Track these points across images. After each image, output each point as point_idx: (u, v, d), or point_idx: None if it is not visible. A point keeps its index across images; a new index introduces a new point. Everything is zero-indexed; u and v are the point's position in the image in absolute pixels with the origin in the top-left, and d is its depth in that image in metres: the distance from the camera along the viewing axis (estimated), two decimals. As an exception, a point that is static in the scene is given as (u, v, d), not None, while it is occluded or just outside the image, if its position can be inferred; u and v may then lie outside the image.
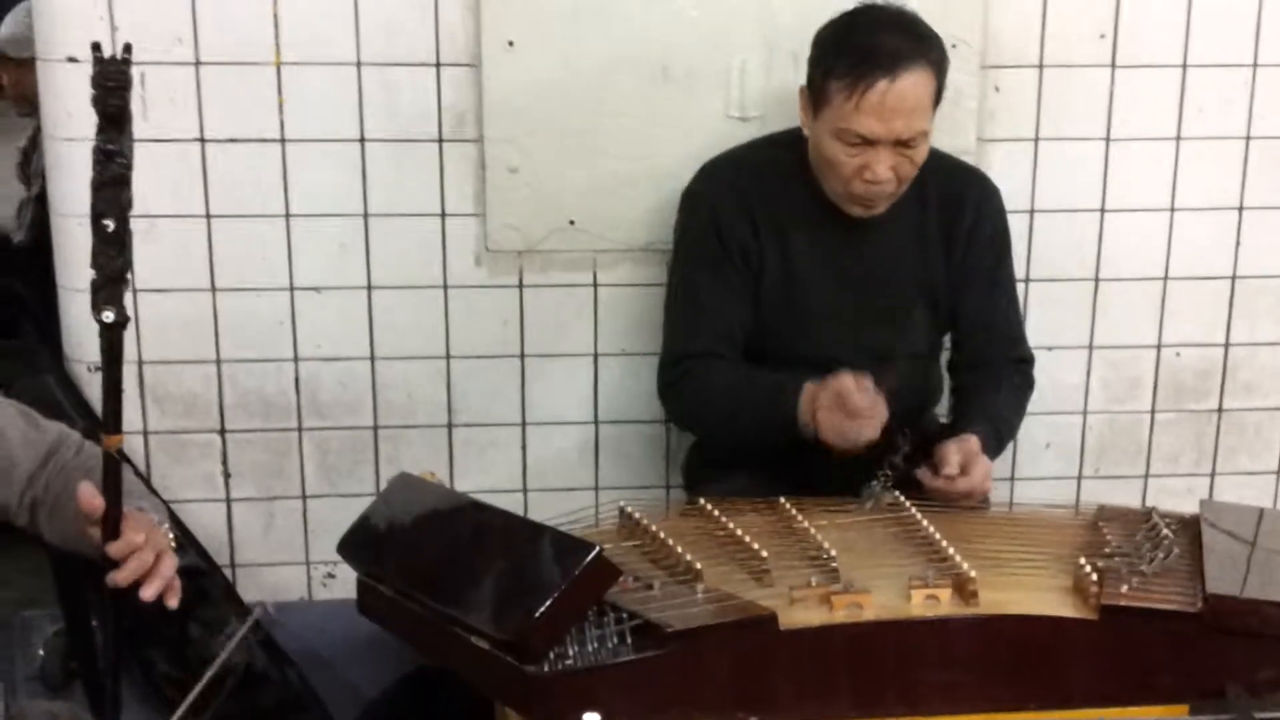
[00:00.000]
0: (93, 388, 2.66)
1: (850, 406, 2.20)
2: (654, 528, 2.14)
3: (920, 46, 2.29)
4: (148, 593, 1.78)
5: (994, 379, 2.52)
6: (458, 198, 2.71)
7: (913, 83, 2.27)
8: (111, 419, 1.78)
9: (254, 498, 2.81)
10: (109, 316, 1.74)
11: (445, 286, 2.75)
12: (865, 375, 2.22)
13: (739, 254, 2.45)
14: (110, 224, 1.72)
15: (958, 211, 2.50)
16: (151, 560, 1.79)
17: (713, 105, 2.70)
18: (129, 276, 1.78)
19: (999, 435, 2.43)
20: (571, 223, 2.73)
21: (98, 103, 1.70)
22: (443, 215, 2.72)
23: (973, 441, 2.30)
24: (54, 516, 1.94)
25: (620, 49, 2.66)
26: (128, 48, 1.71)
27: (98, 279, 1.74)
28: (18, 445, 1.95)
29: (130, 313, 1.79)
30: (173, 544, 1.91)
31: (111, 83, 1.70)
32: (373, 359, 2.76)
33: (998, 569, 2.04)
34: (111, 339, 1.76)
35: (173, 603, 1.83)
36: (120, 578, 1.76)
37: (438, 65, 2.65)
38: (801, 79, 2.41)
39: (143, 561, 1.78)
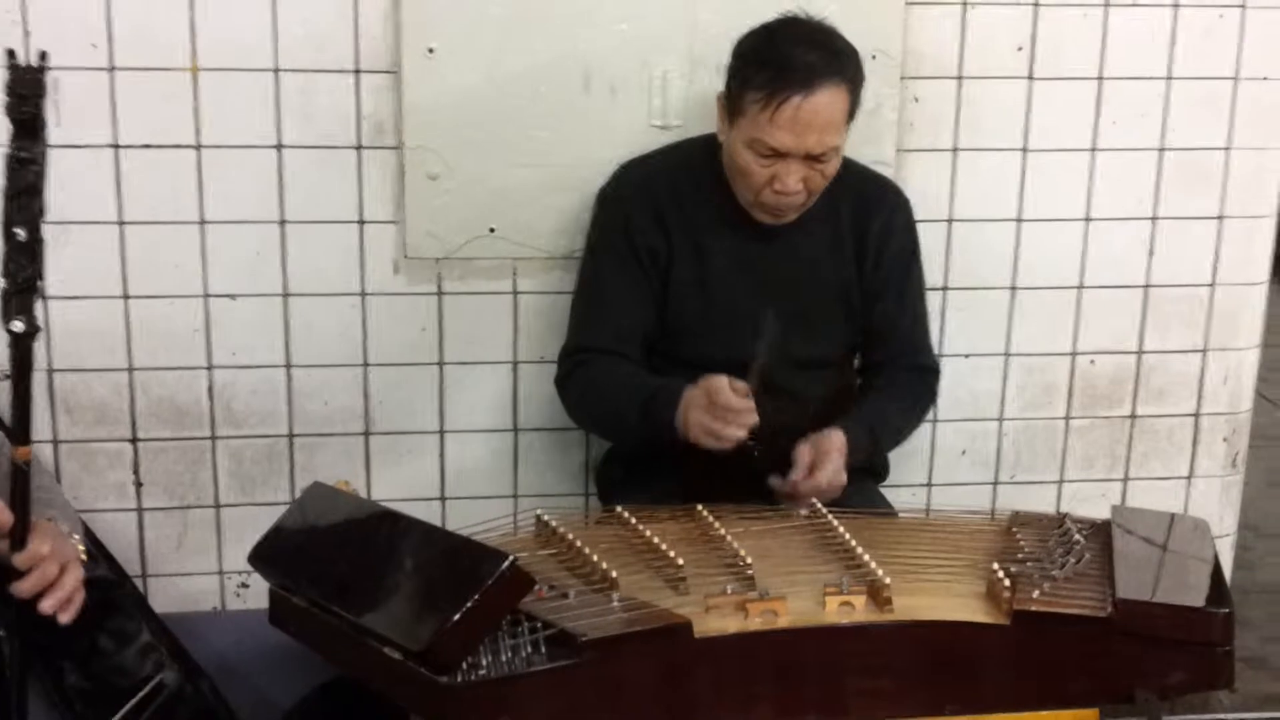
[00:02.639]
0: (1, 395, 2.62)
1: (720, 403, 2.20)
2: (570, 536, 2.13)
3: (836, 63, 2.30)
4: (45, 605, 1.79)
5: (887, 382, 2.56)
6: (376, 205, 2.69)
7: (827, 100, 2.28)
8: (20, 430, 1.77)
9: (166, 507, 2.77)
10: (19, 326, 1.72)
11: (363, 294, 2.73)
12: (740, 382, 2.23)
13: (647, 255, 2.46)
14: (22, 233, 1.70)
15: (868, 222, 2.53)
16: (55, 573, 1.79)
17: (635, 114, 2.70)
18: (40, 285, 1.75)
19: (875, 436, 2.44)
20: (491, 230, 2.72)
21: (11, 110, 1.69)
22: (361, 222, 2.70)
23: (832, 438, 2.32)
24: None
25: (542, 57, 2.66)
26: (43, 55, 1.69)
27: (8, 288, 1.72)
28: None
29: (41, 320, 1.77)
30: (82, 555, 1.89)
31: (25, 90, 1.68)
32: (289, 366, 2.74)
33: (912, 575, 2.06)
34: (21, 349, 1.74)
35: (64, 618, 1.83)
36: (23, 589, 1.76)
37: (357, 72, 2.64)
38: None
39: (45, 574, 1.78)
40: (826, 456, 2.29)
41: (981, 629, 1.95)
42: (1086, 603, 1.98)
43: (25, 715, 1.86)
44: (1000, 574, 2.00)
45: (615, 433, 2.51)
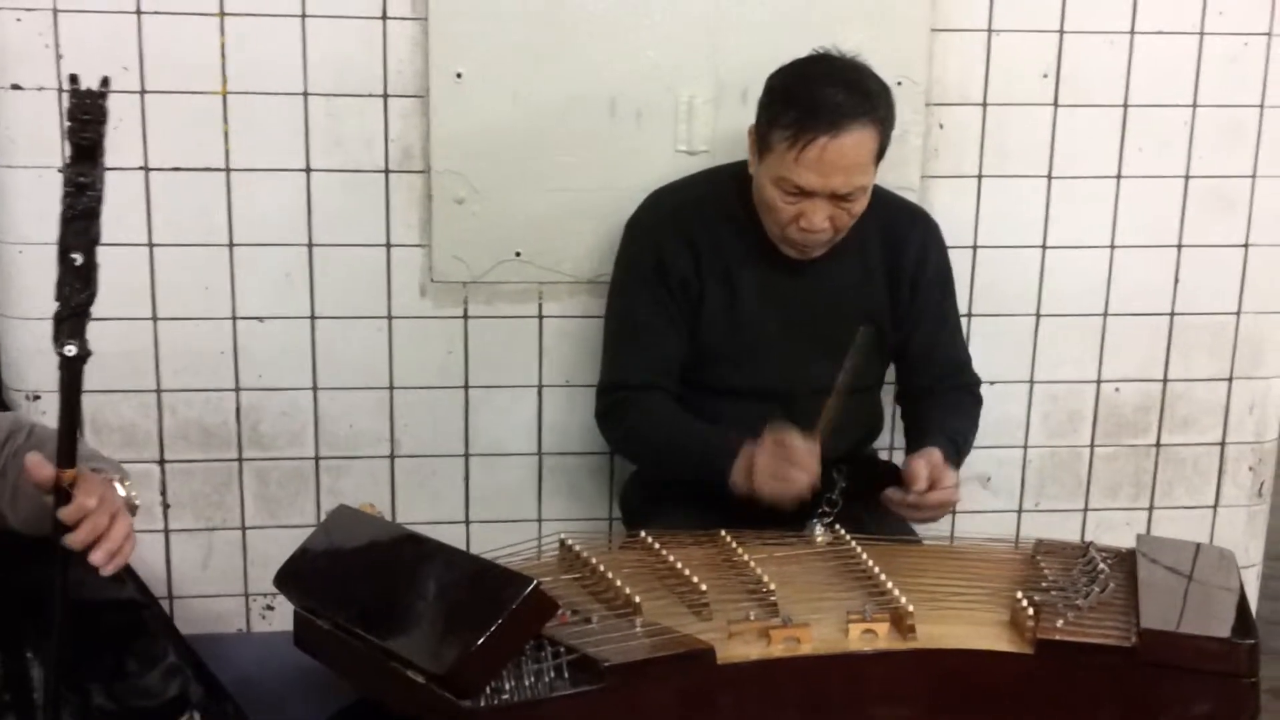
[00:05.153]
0: (31, 416, 2.63)
1: (789, 450, 2.21)
2: (594, 560, 2.13)
3: (865, 104, 2.28)
4: (95, 556, 1.76)
5: (942, 400, 2.55)
6: (403, 229, 2.71)
7: (855, 141, 2.27)
8: (66, 453, 1.77)
9: (193, 529, 2.79)
10: (71, 350, 1.72)
11: (390, 317, 2.74)
12: (803, 435, 2.24)
13: (679, 285, 2.46)
14: (78, 258, 1.71)
15: (901, 250, 2.52)
16: (105, 523, 1.77)
17: (661, 140, 2.71)
18: (91, 310, 1.76)
19: (956, 447, 2.44)
20: (517, 255, 2.73)
21: (72, 135, 1.69)
22: (388, 246, 2.72)
23: (936, 453, 2.31)
24: (15, 500, 1.93)
25: (569, 83, 2.67)
26: (105, 81, 1.70)
27: (61, 311, 1.73)
28: None
29: (73, 341, 1.78)
30: (133, 500, 1.89)
31: (87, 115, 1.68)
32: (315, 389, 2.75)
33: (935, 603, 2.06)
34: (72, 372, 1.74)
35: (108, 570, 1.80)
36: (75, 540, 1.74)
37: (385, 96, 2.66)
38: (750, 117, 2.41)
39: (95, 525, 1.76)
40: (942, 470, 2.28)
41: (1005, 658, 1.95)
42: (1111, 632, 1.97)
43: None
44: (1024, 603, 2.00)
45: (662, 472, 2.50)
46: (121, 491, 1.89)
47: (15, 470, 1.94)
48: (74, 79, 1.68)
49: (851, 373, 2.29)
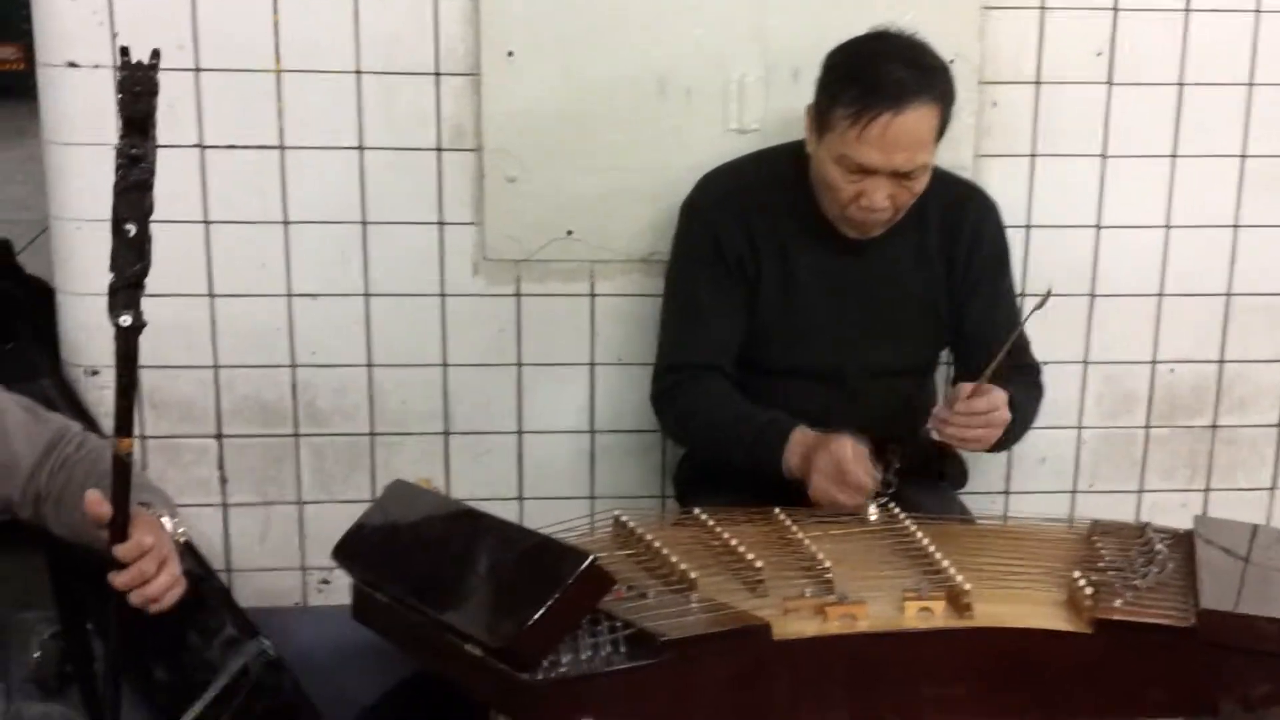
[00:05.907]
0: (89, 392, 2.67)
1: (846, 480, 2.20)
2: (649, 537, 2.14)
3: (927, 80, 2.27)
4: (135, 599, 1.81)
5: (1002, 384, 2.51)
6: (456, 207, 2.72)
7: (917, 117, 2.26)
8: (123, 422, 1.78)
9: (250, 503, 2.81)
10: (126, 320, 1.74)
11: (442, 295, 2.75)
12: (864, 445, 2.23)
13: (736, 265, 2.46)
14: (132, 229, 1.72)
15: (957, 228, 2.51)
16: (152, 570, 1.79)
17: (712, 119, 2.71)
18: (146, 282, 1.77)
19: (1014, 407, 2.34)
20: (569, 233, 2.74)
21: (124, 107, 1.70)
22: (441, 224, 2.72)
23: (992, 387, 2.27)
24: (59, 509, 1.95)
25: (620, 62, 2.67)
26: (156, 53, 1.71)
27: (116, 282, 1.74)
28: (20, 440, 1.96)
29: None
30: (181, 538, 1.91)
31: (138, 88, 1.70)
32: (369, 366, 2.77)
33: (992, 582, 2.05)
34: (127, 343, 1.76)
35: (153, 609, 1.84)
36: (120, 581, 1.77)
37: (437, 75, 2.66)
38: (801, 95, 2.41)
39: (143, 571, 1.79)
40: (991, 392, 2.24)
41: (1063, 637, 1.94)
42: (1170, 612, 1.96)
43: (118, 709, 1.88)
44: (1082, 582, 1.99)
45: (717, 456, 2.47)
46: (169, 527, 1.91)
47: (63, 478, 1.96)
48: (125, 52, 1.70)
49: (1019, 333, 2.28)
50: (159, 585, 1.81)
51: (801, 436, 2.29)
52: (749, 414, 2.40)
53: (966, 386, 2.26)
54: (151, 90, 1.69)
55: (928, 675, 1.94)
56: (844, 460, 2.20)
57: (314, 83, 2.63)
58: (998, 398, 2.27)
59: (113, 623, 1.89)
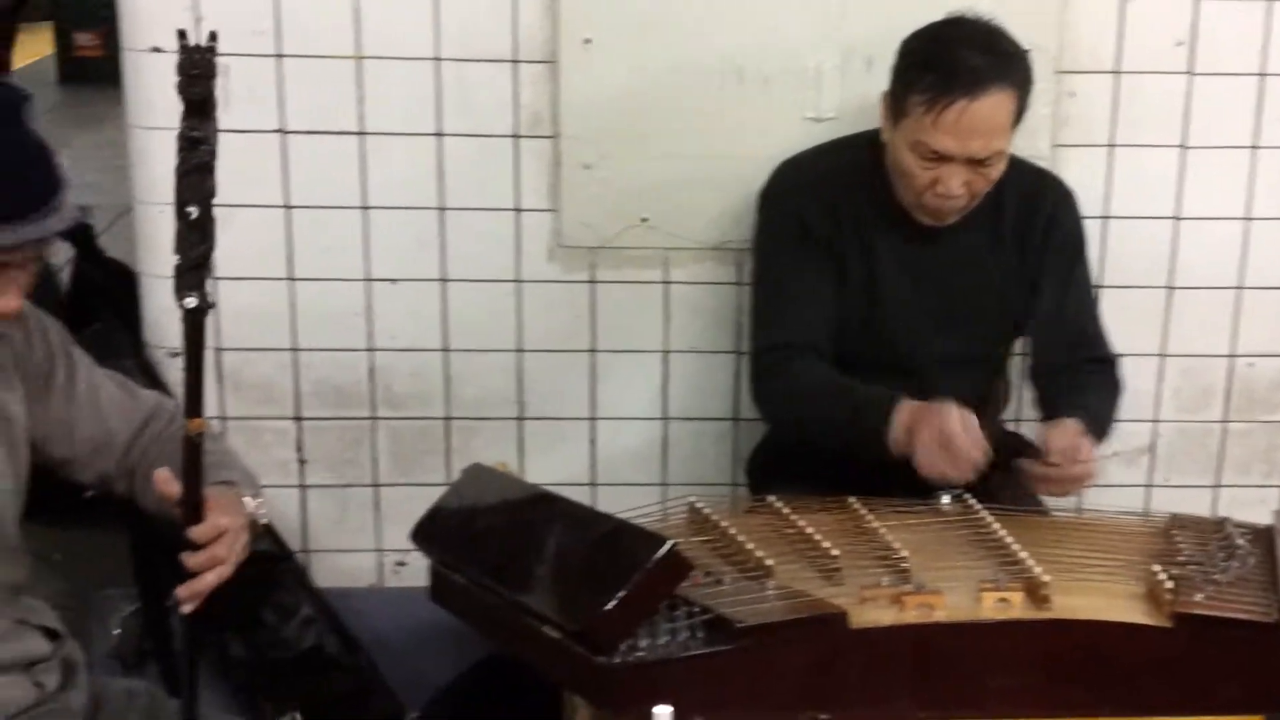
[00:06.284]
0: (172, 372, 2.70)
1: (954, 448, 2.18)
2: (724, 523, 2.15)
3: (1004, 67, 2.26)
4: (181, 591, 1.81)
5: (1077, 379, 2.49)
6: (532, 193, 2.73)
7: (993, 104, 2.25)
8: (193, 403, 1.80)
9: (328, 485, 2.84)
10: (191, 302, 1.75)
11: (518, 281, 2.77)
12: (971, 414, 2.20)
13: (823, 247, 2.44)
14: (194, 211, 1.73)
15: (1033, 216, 2.49)
16: (224, 555, 1.81)
17: (788, 107, 2.70)
18: (211, 263, 1.79)
19: (1096, 425, 2.37)
20: (644, 220, 2.75)
21: (183, 90, 1.71)
22: (517, 210, 2.74)
23: (1073, 424, 2.27)
24: (149, 485, 1.96)
25: (697, 50, 2.67)
26: (213, 35, 1.72)
27: (181, 264, 1.76)
28: (115, 416, 1.99)
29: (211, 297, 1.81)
30: (261, 519, 1.93)
31: (196, 70, 1.71)
32: (446, 350, 2.79)
33: (1069, 573, 2.04)
34: (194, 324, 1.77)
35: (186, 609, 1.84)
36: (194, 563, 1.79)
37: (515, 62, 2.68)
38: (877, 84, 2.40)
39: (214, 555, 1.80)
40: (1080, 441, 2.24)
41: (1142, 630, 1.93)
42: (1251, 608, 1.95)
43: (197, 685, 1.90)
44: (1162, 575, 1.98)
45: (819, 436, 2.43)
46: (250, 506, 1.92)
47: (155, 452, 1.98)
48: (182, 35, 1.70)
49: None
50: (206, 582, 1.81)
51: (908, 408, 2.25)
52: (851, 389, 2.38)
53: (1056, 443, 2.24)
54: (209, 73, 1.70)
55: (1003, 666, 1.93)
56: (951, 430, 2.18)
57: (393, 69, 2.65)
58: (1084, 466, 2.25)
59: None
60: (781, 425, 2.60)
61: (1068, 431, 2.26)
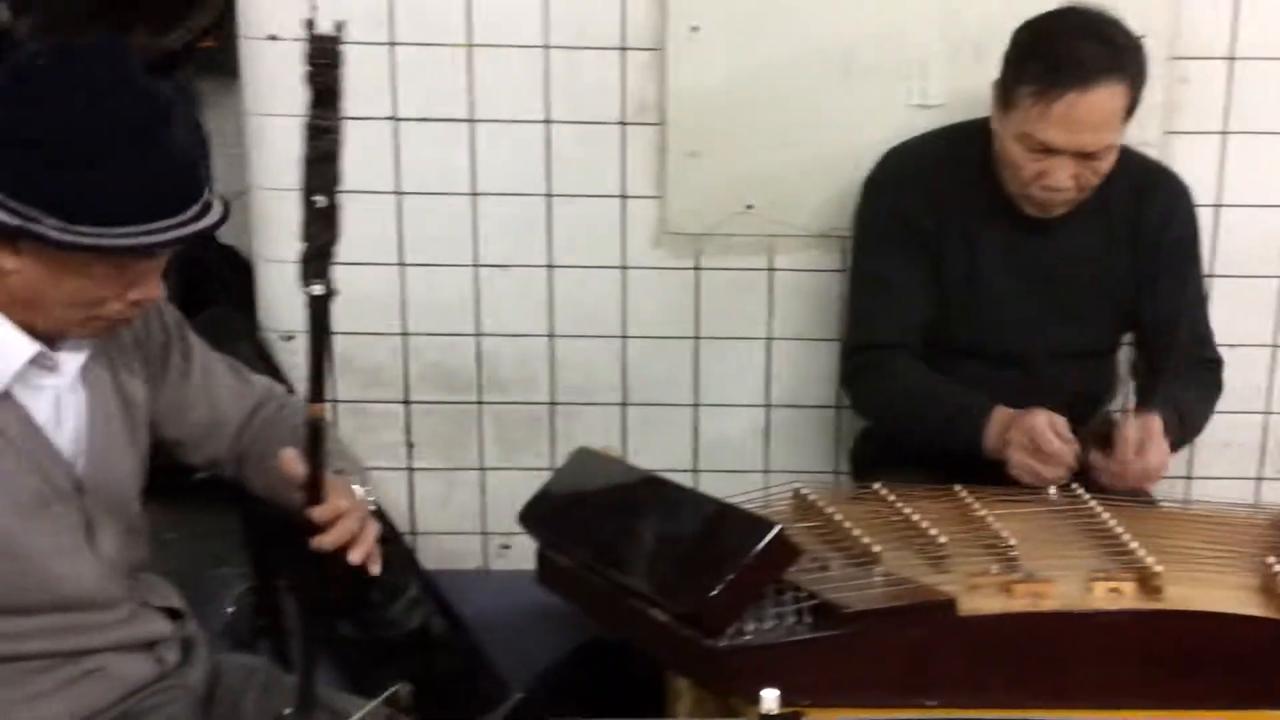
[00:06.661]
0: (286, 355, 2.75)
1: (1043, 450, 2.18)
2: (829, 510, 2.15)
3: (1116, 58, 2.23)
4: (354, 556, 1.81)
5: (1179, 375, 2.46)
6: (638, 180, 2.75)
7: (1105, 97, 2.22)
8: (316, 388, 1.82)
9: (435, 468, 2.89)
10: (317, 289, 1.75)
11: (623, 267, 2.79)
12: (1061, 418, 2.21)
13: (922, 242, 2.44)
14: (321, 199, 1.74)
15: (1146, 211, 2.46)
16: (356, 528, 1.82)
17: (895, 95, 2.69)
18: (335, 251, 1.82)
19: (1182, 424, 2.36)
20: (749, 207, 2.75)
21: (311, 79, 1.73)
22: (623, 197, 2.76)
23: (1154, 421, 2.25)
24: (260, 469, 1.99)
25: (803, 38, 2.67)
26: (340, 25, 1.74)
27: (307, 252, 1.77)
28: (227, 400, 2.02)
29: (327, 283, 1.84)
30: (372, 506, 1.95)
31: (324, 60, 1.71)
32: (551, 337, 2.82)
33: (1181, 565, 2.01)
34: (319, 311, 1.78)
35: (375, 569, 1.85)
36: (326, 541, 1.79)
37: (623, 49, 2.69)
38: (985, 72, 2.38)
39: (347, 528, 1.81)
40: (1154, 438, 2.22)
41: (1257, 623, 1.91)
42: (1370, 602, 1.92)
43: (315, 666, 1.92)
44: (1278, 568, 1.95)
45: (911, 435, 2.45)
46: (359, 494, 1.93)
47: (265, 437, 2.01)
48: (310, 24, 1.71)
49: None
50: (370, 539, 1.83)
51: (1000, 416, 2.27)
52: (946, 392, 2.38)
53: (1129, 436, 2.21)
54: (336, 63, 1.71)
55: (1112, 657, 1.91)
56: (1039, 432, 2.18)
57: (503, 57, 2.68)
58: (1153, 460, 2.22)
59: (311, 584, 1.91)
60: (878, 425, 2.62)
61: (1143, 425, 2.24)
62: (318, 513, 1.79)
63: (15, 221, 1.62)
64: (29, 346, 1.73)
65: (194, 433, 2.01)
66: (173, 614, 1.97)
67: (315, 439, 1.80)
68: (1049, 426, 2.19)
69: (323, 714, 1.81)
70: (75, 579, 1.80)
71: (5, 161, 1.63)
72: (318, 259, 1.77)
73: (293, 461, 1.80)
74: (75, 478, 1.81)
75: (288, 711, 1.80)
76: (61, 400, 1.81)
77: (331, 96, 1.72)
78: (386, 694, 1.84)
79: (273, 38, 2.66)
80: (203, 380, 2.01)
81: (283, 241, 2.70)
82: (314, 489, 1.80)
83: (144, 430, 1.94)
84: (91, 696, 1.82)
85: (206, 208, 1.75)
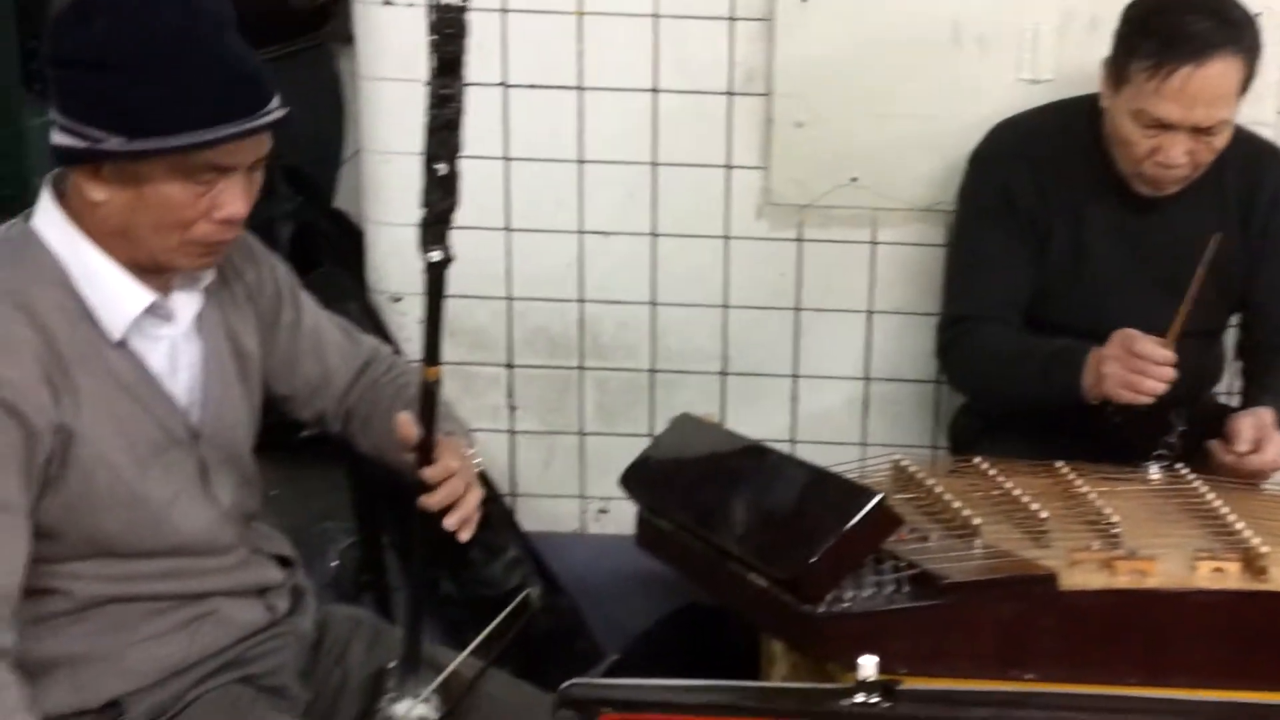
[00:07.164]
0: (393, 317, 2.80)
1: (1138, 352, 2.16)
2: (929, 482, 2.16)
3: (1232, 33, 2.21)
4: (450, 521, 1.83)
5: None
6: (743, 150, 2.75)
7: (1219, 71, 2.20)
8: (432, 352, 1.84)
9: (536, 431, 2.92)
10: (436, 255, 1.77)
11: (726, 237, 2.80)
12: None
13: (1026, 219, 2.43)
14: (442, 167, 1.76)
15: (1256, 190, 2.43)
16: (461, 490, 1.84)
17: (1004, 68, 2.67)
18: (454, 218, 1.85)
19: None
20: (854, 180, 2.74)
21: (435, 48, 1.75)
22: (728, 167, 2.77)
23: (1266, 415, 2.24)
24: (366, 428, 2.03)
25: (912, 9, 2.66)
26: None
27: (427, 218, 1.80)
28: (336, 358, 2.05)
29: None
30: (479, 468, 1.98)
31: (449, 29, 1.73)
32: (653, 304, 2.84)
33: (1284, 546, 2.00)
34: (436, 277, 1.81)
35: (464, 535, 1.87)
36: (433, 501, 1.81)
37: (731, 19, 2.70)
38: (1097, 46, 2.36)
39: (453, 490, 1.83)
40: (1269, 433, 2.22)
41: (1365, 606, 1.89)
42: None
43: (421, 621, 1.95)
44: (1385, 552, 1.93)
45: (1007, 396, 2.44)
46: (467, 455, 1.94)
47: (372, 398, 2.04)
48: None
49: (1201, 280, 2.21)
50: (470, 505, 1.86)
51: (1096, 354, 2.24)
52: (1036, 347, 2.37)
53: (1244, 432, 2.21)
54: (461, 32, 1.73)
55: (1218, 637, 1.91)
56: (1131, 334, 2.17)
57: (613, 25, 2.69)
58: (1269, 458, 2.21)
59: (418, 542, 1.93)
60: (974, 395, 2.60)
61: (1257, 421, 2.23)
62: (429, 472, 1.81)
63: (83, 144, 1.67)
64: (144, 296, 1.76)
65: (303, 388, 2.05)
66: (283, 562, 2.01)
67: (429, 401, 1.83)
68: (1135, 334, 2.17)
69: (426, 668, 1.84)
70: (190, 524, 1.83)
71: (69, 87, 1.68)
72: (436, 225, 1.79)
73: (408, 425, 1.82)
74: (190, 426, 1.84)
75: (393, 664, 1.85)
76: (177, 349, 1.84)
77: (455, 65, 1.73)
78: (516, 601, 1.89)
79: (387, 3, 2.69)
80: (312, 337, 2.04)
81: (393, 204, 2.76)
82: (426, 450, 1.83)
83: (257, 381, 1.98)
84: (205, 639, 1.86)
85: (269, 110, 1.75)
